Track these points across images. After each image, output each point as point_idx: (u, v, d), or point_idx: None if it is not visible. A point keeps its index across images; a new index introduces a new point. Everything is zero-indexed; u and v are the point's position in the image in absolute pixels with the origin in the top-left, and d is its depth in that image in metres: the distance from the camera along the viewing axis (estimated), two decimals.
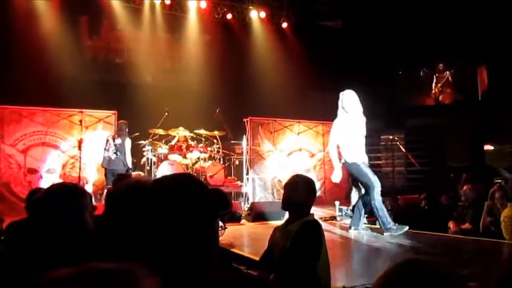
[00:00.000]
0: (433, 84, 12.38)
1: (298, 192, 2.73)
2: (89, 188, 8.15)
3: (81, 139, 8.15)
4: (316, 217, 2.91)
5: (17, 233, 3.35)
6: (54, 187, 2.18)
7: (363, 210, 5.85)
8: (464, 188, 5.47)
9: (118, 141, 8.23)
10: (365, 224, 5.96)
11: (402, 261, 0.99)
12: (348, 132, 5.73)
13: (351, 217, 6.13)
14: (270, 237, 2.82)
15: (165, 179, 1.22)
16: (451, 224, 5.37)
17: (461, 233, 5.16)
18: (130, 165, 8.40)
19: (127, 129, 8.50)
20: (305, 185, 2.77)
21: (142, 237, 1.10)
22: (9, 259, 3.11)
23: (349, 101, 5.88)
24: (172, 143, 9.32)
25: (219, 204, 1.13)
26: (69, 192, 2.14)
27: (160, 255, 1.05)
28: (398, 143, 9.55)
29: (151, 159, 9.11)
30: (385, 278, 0.96)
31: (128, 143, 8.39)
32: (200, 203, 1.12)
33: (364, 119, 6.12)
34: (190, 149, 9.17)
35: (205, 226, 1.12)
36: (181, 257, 1.07)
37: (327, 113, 11.26)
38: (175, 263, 1.06)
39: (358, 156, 5.62)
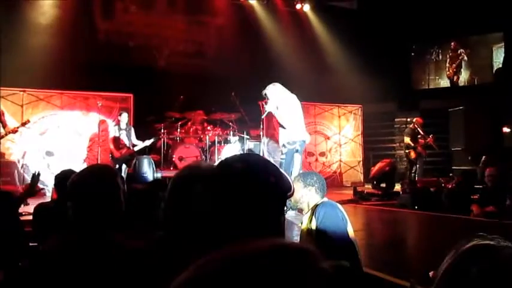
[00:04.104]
0: (447, 65, 12.21)
1: (294, 191, 2.68)
2: None
3: (100, 120, 8.18)
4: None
5: (46, 215, 3.39)
6: (92, 169, 2.19)
7: None
8: (488, 170, 5.41)
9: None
10: None
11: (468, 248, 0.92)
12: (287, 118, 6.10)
13: None
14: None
15: (237, 160, 1.13)
16: (473, 207, 5.32)
17: (484, 215, 5.12)
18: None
19: None
20: (297, 183, 2.72)
21: (210, 224, 1.04)
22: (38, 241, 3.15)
23: (276, 96, 6.10)
24: (188, 126, 9.31)
25: (287, 187, 1.09)
26: (107, 173, 2.15)
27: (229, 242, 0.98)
28: (415, 125, 9.39)
29: (167, 142, 9.12)
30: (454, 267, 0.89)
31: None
32: (276, 186, 1.07)
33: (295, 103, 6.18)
34: (206, 132, 9.16)
35: (279, 210, 1.07)
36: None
37: (342, 95, 11.23)
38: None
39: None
